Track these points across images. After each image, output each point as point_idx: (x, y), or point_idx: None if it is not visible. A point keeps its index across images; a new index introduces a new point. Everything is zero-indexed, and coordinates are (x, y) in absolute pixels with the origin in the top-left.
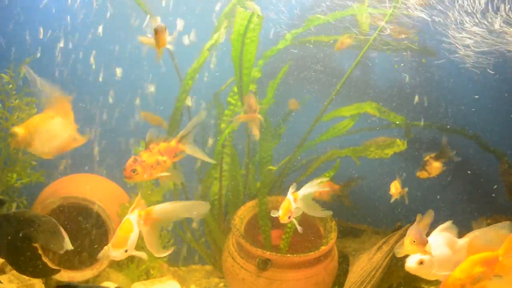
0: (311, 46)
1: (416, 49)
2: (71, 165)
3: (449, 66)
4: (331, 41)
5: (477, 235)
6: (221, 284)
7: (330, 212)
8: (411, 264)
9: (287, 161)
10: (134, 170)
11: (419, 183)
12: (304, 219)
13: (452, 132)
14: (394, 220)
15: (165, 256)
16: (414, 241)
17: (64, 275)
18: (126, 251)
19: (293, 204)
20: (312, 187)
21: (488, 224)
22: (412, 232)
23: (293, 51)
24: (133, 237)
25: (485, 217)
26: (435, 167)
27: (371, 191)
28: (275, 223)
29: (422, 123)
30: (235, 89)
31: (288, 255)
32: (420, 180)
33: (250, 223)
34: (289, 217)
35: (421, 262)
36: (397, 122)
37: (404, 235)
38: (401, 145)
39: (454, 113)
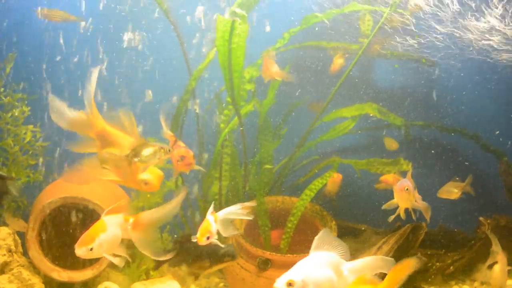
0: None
1: (415, 58)
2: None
3: (449, 66)
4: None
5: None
6: (221, 284)
7: (240, 232)
8: (279, 285)
9: (287, 161)
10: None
11: (419, 184)
12: (303, 219)
13: (452, 132)
14: (394, 220)
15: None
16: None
17: (64, 275)
18: (91, 249)
19: (213, 224)
20: (235, 213)
21: (488, 224)
22: (402, 181)
23: (295, 51)
24: (104, 238)
25: (485, 217)
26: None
27: (371, 191)
28: (275, 223)
29: (422, 123)
30: None
31: (288, 255)
32: (420, 180)
33: (250, 223)
34: (208, 238)
35: (290, 284)
36: (397, 124)
37: (404, 235)
38: (404, 164)
39: (454, 113)
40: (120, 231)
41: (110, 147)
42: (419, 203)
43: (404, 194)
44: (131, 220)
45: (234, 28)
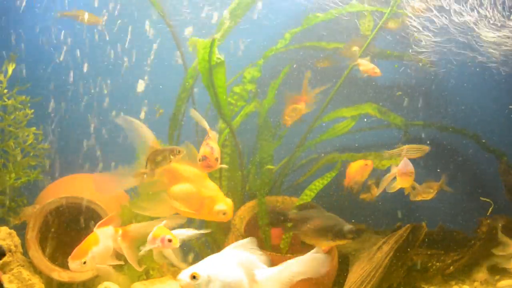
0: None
1: (414, 59)
2: (72, 165)
3: (449, 66)
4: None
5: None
6: None
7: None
8: (182, 276)
9: (287, 161)
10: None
11: (419, 184)
12: None
13: (452, 132)
14: (394, 220)
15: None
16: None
17: (64, 275)
18: (84, 262)
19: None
20: (187, 234)
21: (488, 225)
22: (401, 164)
23: (295, 51)
24: (96, 250)
25: (485, 217)
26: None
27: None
28: (275, 223)
29: (422, 123)
30: (236, 90)
31: (288, 255)
32: (420, 180)
33: (250, 223)
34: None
35: (194, 277)
36: (397, 123)
37: (404, 235)
38: (398, 161)
39: (454, 113)
40: (112, 243)
41: (179, 182)
42: (415, 184)
43: (409, 176)
44: (120, 231)
45: (213, 46)
